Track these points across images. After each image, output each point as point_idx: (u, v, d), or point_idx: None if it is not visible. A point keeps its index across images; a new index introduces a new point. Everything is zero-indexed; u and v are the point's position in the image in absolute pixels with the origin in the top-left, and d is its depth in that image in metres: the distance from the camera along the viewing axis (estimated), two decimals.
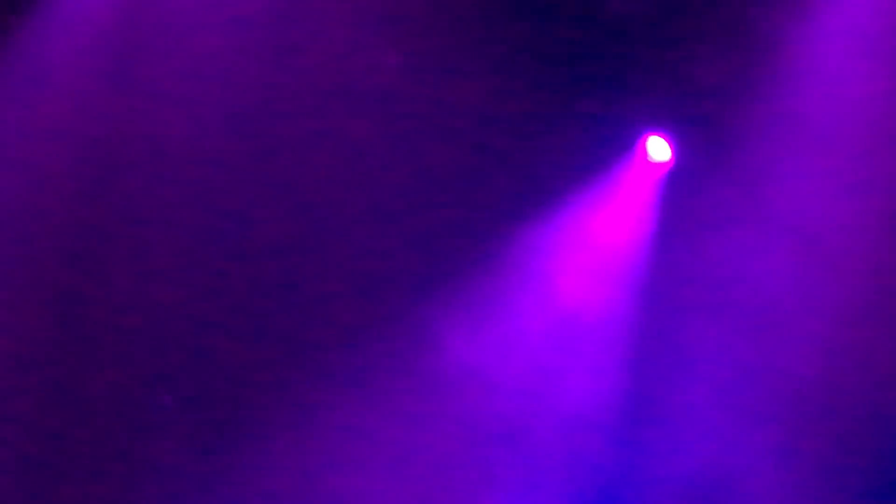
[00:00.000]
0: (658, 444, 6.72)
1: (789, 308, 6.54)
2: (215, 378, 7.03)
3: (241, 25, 6.93)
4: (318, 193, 7.04)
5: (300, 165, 7.03)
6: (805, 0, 6.61)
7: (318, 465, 6.81)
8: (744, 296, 6.65)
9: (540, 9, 7.02)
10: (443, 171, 6.97)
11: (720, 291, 6.68)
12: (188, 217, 7.03)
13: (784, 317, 6.56)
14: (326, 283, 7.04)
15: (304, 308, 7.02)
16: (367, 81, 6.99)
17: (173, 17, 6.86)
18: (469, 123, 6.95)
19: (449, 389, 6.80)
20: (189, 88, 6.87)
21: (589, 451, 6.74)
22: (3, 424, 6.77)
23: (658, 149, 7.12)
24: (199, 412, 7.03)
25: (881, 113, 6.47)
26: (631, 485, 6.74)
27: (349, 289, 7.03)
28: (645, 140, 7.15)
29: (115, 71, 6.95)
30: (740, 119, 6.84)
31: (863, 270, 6.48)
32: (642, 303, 6.93)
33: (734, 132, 6.77)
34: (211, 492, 6.77)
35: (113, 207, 7.15)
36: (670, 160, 7.11)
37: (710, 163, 6.89)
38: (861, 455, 6.46)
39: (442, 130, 6.94)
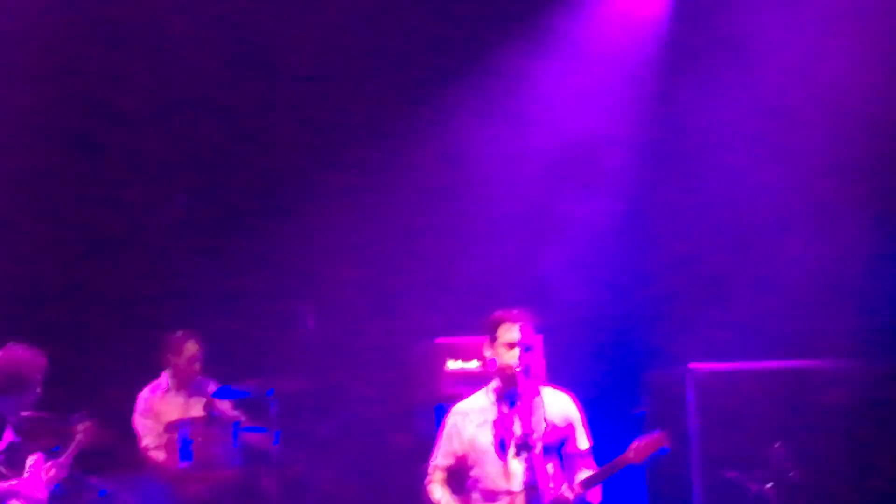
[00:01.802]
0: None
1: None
2: (230, 174, 7.47)
3: None
4: None
5: None
6: None
7: (332, 252, 7.25)
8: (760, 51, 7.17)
9: None
10: None
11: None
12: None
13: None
14: (344, 68, 7.39)
15: (320, 95, 7.38)
16: None
17: None
18: None
19: (469, 170, 7.32)
20: None
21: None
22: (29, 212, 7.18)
23: None
24: (214, 208, 7.45)
25: None
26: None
27: (367, 73, 7.44)
28: None
29: None
30: None
31: None
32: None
33: None
34: (224, 286, 7.15)
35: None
36: None
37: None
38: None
39: None
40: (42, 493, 5.78)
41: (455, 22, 7.44)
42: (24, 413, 5.95)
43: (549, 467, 5.12)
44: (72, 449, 5.90)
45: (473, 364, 6.50)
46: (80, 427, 5.96)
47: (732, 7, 7.27)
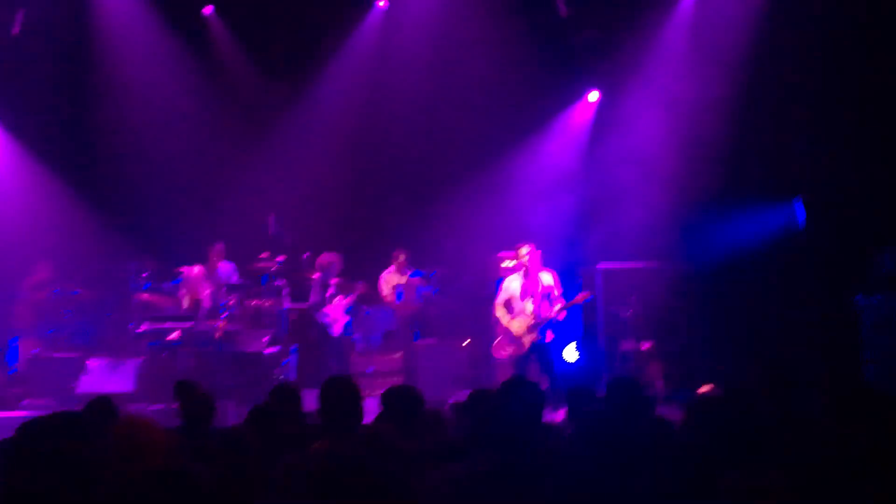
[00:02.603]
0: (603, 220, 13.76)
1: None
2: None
3: None
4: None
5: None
6: None
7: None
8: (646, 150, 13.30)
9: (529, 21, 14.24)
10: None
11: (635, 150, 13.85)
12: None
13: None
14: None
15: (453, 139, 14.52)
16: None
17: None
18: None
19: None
20: None
21: None
22: None
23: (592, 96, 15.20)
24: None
25: None
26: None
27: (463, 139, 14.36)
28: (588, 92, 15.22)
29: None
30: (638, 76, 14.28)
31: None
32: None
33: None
34: None
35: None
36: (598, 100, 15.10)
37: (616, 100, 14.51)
38: None
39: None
40: (341, 313, 13.89)
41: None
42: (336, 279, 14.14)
43: (544, 304, 11.14)
44: (357, 293, 13.57)
45: (512, 263, 12.28)
46: (359, 285, 13.70)
47: None
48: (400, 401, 6.20)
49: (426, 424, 6.04)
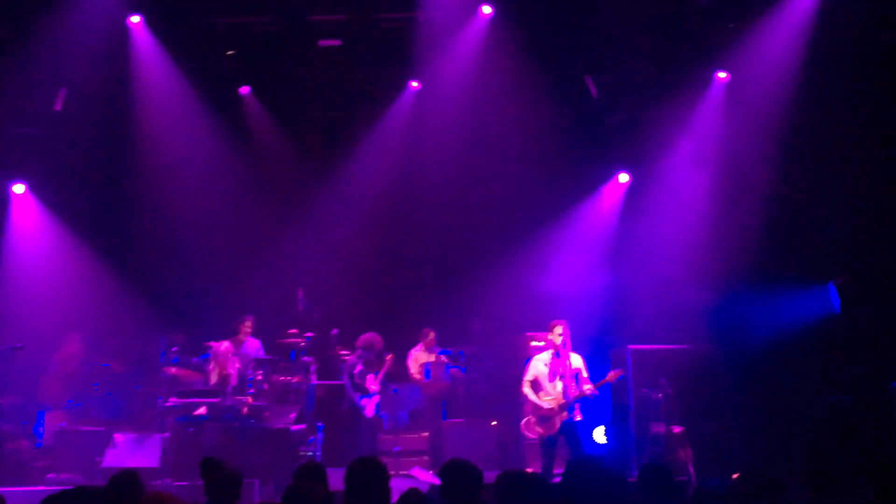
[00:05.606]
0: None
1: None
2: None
3: None
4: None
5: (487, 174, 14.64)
6: None
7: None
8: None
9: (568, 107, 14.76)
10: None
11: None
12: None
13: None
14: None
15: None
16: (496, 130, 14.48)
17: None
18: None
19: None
20: None
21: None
22: None
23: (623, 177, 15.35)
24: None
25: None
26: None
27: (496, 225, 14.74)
28: (618, 174, 15.33)
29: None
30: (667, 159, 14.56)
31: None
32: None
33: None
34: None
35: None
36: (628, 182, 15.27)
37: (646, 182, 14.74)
38: None
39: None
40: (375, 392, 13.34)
41: None
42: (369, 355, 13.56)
43: (572, 384, 11.20)
44: (385, 368, 13.19)
45: (542, 343, 12.38)
46: (387, 358, 13.25)
47: None
48: (460, 477, 6.02)
49: None
